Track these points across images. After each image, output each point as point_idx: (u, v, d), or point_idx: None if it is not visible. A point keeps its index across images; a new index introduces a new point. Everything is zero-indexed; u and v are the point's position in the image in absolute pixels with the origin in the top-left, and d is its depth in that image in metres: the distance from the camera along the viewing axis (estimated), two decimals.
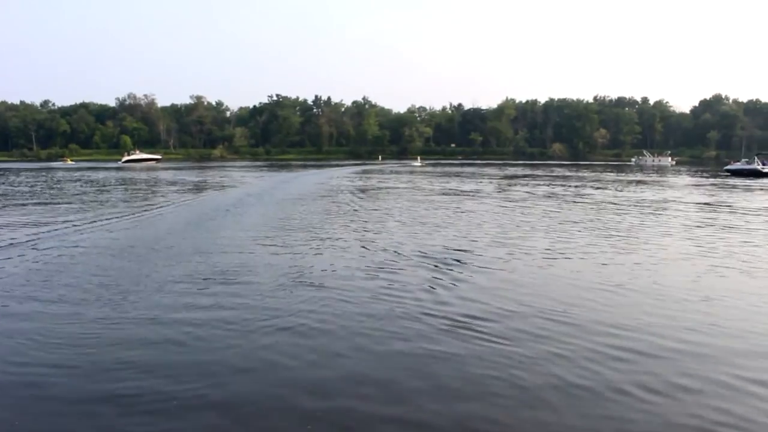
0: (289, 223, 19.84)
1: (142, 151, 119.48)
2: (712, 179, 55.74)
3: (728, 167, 66.40)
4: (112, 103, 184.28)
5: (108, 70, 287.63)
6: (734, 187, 43.63)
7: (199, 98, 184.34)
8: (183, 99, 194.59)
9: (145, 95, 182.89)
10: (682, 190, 39.27)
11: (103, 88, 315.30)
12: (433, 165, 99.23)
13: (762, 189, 41.65)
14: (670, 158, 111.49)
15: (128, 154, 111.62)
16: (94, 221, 20.33)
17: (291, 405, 5.98)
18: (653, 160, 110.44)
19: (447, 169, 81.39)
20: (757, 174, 57.86)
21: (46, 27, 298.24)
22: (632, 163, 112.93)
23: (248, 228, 18.62)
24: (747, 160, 67.03)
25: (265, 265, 12.51)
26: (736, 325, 8.70)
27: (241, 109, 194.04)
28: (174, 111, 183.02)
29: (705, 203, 29.01)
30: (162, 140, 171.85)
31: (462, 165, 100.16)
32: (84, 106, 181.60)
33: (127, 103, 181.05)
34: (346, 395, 6.24)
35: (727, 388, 6.46)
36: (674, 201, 30.10)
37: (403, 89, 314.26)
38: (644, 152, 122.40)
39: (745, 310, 9.49)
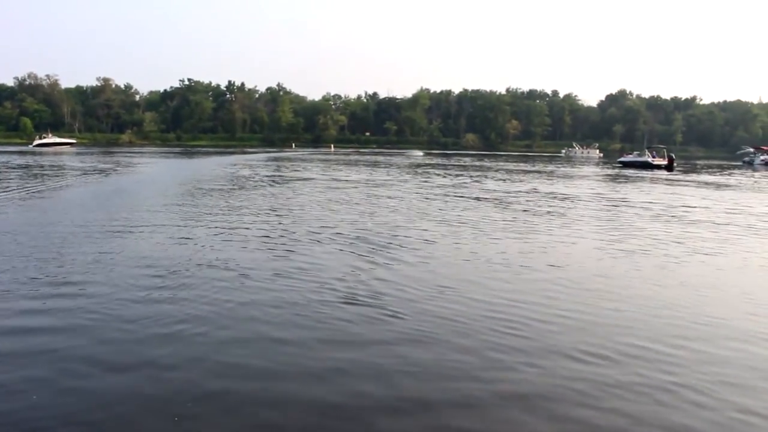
0: (179, 209, 19.21)
1: (54, 135, 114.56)
2: (607, 170, 59.07)
3: (621, 159, 70.89)
4: (11, 83, 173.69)
5: (5, 47, 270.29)
6: (626, 177, 46.53)
7: (106, 80, 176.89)
8: (89, 81, 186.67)
9: (48, 75, 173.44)
10: (575, 181, 41.09)
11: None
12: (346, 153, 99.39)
13: (651, 179, 44.24)
14: (597, 151, 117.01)
15: (40, 138, 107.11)
16: None
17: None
18: (582, 152, 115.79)
19: (359, 157, 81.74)
20: (648, 166, 61.38)
21: None
22: (562, 155, 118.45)
23: (129, 212, 17.95)
24: (638, 153, 70.78)
25: (138, 255, 12.06)
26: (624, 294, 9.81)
27: (151, 93, 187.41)
28: (79, 93, 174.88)
29: (595, 193, 30.53)
30: (66, 124, 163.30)
31: (375, 154, 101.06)
32: None
33: (27, 83, 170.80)
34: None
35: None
36: (565, 191, 31.37)
37: (319, 77, 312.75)
38: (574, 144, 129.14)
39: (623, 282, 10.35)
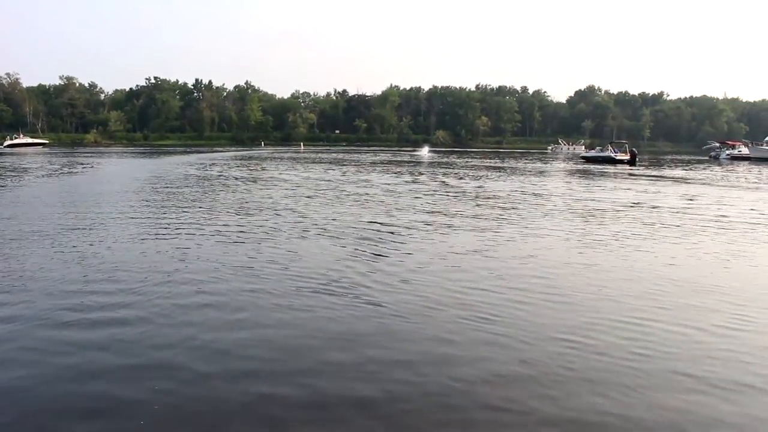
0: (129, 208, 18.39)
1: (26, 136, 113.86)
2: (572, 166, 58.96)
3: (584, 154, 72.26)
4: None
5: None
6: (592, 172, 46.51)
7: (69, 79, 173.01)
8: (52, 79, 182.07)
9: (8, 74, 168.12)
10: (538, 177, 40.61)
11: None
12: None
13: (614, 174, 44.34)
14: (583, 147, 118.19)
15: (11, 139, 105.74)
16: None
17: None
18: (568, 149, 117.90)
19: (326, 155, 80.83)
20: (611, 161, 61.77)
21: None
22: (549, 151, 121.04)
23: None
24: (601, 148, 71.57)
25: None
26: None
27: (116, 91, 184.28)
28: (42, 92, 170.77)
29: (560, 188, 30.21)
30: (29, 123, 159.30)
31: (345, 152, 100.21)
32: None
33: None
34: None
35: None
36: (530, 188, 30.93)
37: (287, 74, 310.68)
38: (559, 140, 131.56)
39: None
